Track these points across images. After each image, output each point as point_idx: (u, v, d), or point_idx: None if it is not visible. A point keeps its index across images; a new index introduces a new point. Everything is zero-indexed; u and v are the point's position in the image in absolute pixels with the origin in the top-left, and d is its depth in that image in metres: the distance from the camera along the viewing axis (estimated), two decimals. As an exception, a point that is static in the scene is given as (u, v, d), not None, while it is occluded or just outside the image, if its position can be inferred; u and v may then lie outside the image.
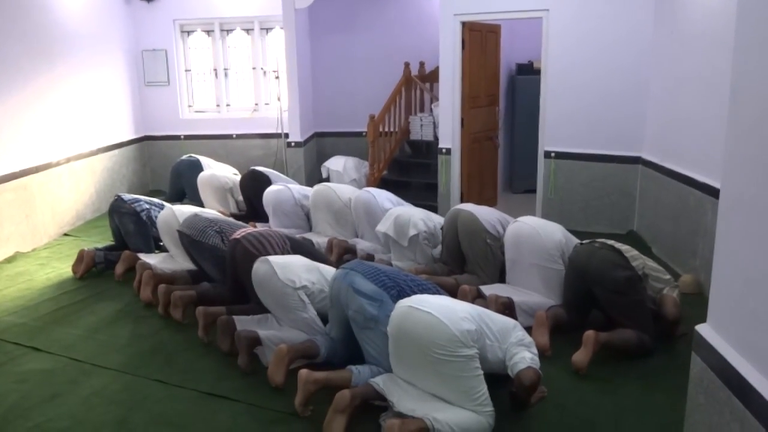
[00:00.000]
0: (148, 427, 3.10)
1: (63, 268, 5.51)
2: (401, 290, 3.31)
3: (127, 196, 5.55)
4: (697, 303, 4.23)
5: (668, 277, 3.97)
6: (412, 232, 4.87)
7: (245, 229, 4.40)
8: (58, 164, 6.70)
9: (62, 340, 4.11)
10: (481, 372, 2.90)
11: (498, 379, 3.11)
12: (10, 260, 5.79)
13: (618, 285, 3.65)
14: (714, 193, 4.42)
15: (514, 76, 8.54)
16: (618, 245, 3.84)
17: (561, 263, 4.13)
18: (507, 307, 4.02)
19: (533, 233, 4.23)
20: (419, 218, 4.96)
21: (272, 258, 3.81)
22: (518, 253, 4.31)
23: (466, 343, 2.83)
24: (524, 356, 2.99)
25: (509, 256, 4.42)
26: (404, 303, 3.02)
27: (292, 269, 3.73)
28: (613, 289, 3.68)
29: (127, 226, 5.40)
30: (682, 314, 3.85)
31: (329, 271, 3.85)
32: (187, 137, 8.88)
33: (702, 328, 2.11)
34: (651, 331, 3.66)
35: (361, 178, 8.35)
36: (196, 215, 4.78)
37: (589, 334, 3.53)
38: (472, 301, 4.09)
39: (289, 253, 4.19)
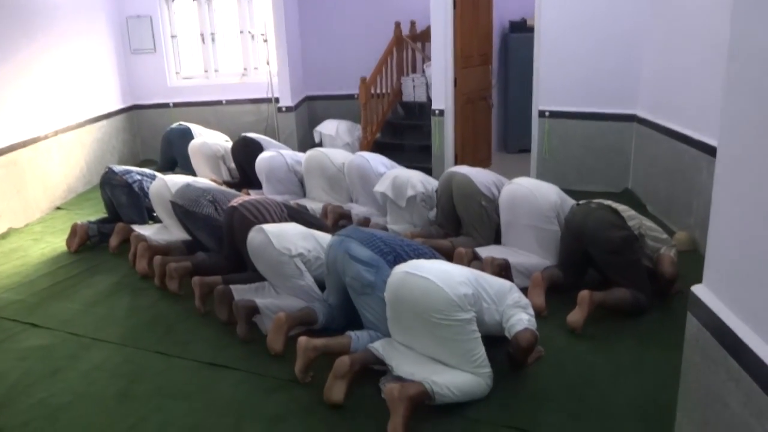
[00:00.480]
0: (150, 399, 3.13)
1: (57, 243, 5.49)
2: (397, 255, 3.31)
3: (117, 168, 5.50)
4: (691, 260, 4.25)
5: (666, 236, 3.97)
6: (410, 192, 4.87)
7: (241, 197, 4.38)
8: (46, 138, 6.62)
9: (60, 315, 4.12)
10: (479, 335, 2.92)
11: (495, 340, 3.14)
12: (3, 236, 5.76)
13: (614, 245, 3.66)
14: (709, 150, 4.40)
15: (507, 34, 8.42)
16: (615, 205, 3.83)
17: (556, 224, 4.14)
18: (503, 269, 4.04)
19: (528, 194, 4.22)
20: (417, 180, 4.96)
21: (267, 227, 3.80)
22: (513, 214, 4.31)
23: (464, 307, 2.84)
24: (521, 318, 3.01)
25: (504, 217, 4.41)
26: (401, 269, 3.03)
27: (287, 237, 3.73)
28: (609, 249, 3.69)
29: (120, 198, 5.37)
30: (679, 271, 3.85)
31: (325, 238, 3.85)
32: (176, 105, 8.76)
33: (698, 289, 2.11)
34: (647, 289, 3.69)
35: (354, 141, 8.30)
36: (188, 185, 4.75)
37: (584, 294, 3.55)
38: (468, 263, 4.10)
39: (286, 221, 4.18)
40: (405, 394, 2.69)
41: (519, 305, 3.09)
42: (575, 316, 3.53)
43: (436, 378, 2.81)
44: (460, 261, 4.11)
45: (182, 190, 4.67)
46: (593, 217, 3.77)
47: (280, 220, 4.17)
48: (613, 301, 3.61)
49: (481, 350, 2.92)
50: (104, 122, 7.97)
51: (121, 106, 8.47)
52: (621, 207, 3.84)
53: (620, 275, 3.69)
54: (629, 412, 2.84)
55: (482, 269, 3.81)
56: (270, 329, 3.43)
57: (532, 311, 3.13)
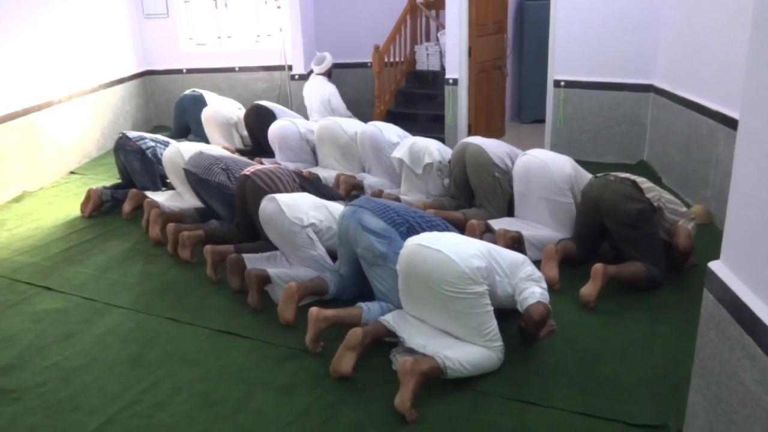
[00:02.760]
0: (161, 365, 3.16)
1: (71, 207, 5.51)
2: (410, 227, 3.30)
3: (131, 134, 5.49)
4: (707, 234, 4.21)
5: (684, 209, 3.91)
6: (427, 160, 4.83)
7: (254, 166, 4.37)
8: (60, 102, 6.62)
9: (74, 280, 4.15)
10: (491, 308, 2.91)
11: (507, 313, 3.13)
12: (18, 199, 5.80)
13: (630, 218, 3.61)
14: (727, 122, 4.33)
15: (523, 2, 8.29)
16: (633, 177, 3.78)
17: (570, 197, 4.10)
18: (516, 242, 4.01)
19: (542, 166, 4.17)
20: (435, 148, 4.92)
21: (279, 196, 3.79)
22: (527, 186, 4.27)
23: (476, 280, 2.83)
24: (534, 291, 2.99)
25: (518, 189, 4.37)
26: (413, 241, 3.01)
27: (299, 207, 3.71)
28: (625, 221, 3.64)
29: (133, 164, 5.37)
30: (694, 244, 3.80)
31: (337, 208, 3.83)
32: (189, 71, 8.71)
33: (714, 265, 2.08)
34: (662, 264, 3.65)
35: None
36: (201, 153, 4.74)
37: (598, 266, 3.52)
38: (481, 235, 4.08)
39: (298, 191, 4.17)
40: (418, 368, 2.70)
41: (532, 278, 3.07)
42: (588, 290, 3.51)
43: (448, 353, 2.81)
44: (472, 233, 4.09)
45: (195, 158, 4.66)
46: (610, 189, 3.72)
47: (293, 189, 4.16)
48: (627, 275, 3.59)
49: (493, 324, 2.92)
50: (118, 87, 7.95)
51: (134, 71, 8.44)
52: (640, 179, 3.77)
53: (635, 249, 3.65)
54: (641, 388, 2.82)
55: (495, 242, 3.79)
56: (281, 298, 3.44)
57: (545, 284, 3.11)
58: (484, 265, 2.88)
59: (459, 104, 7.03)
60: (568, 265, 3.87)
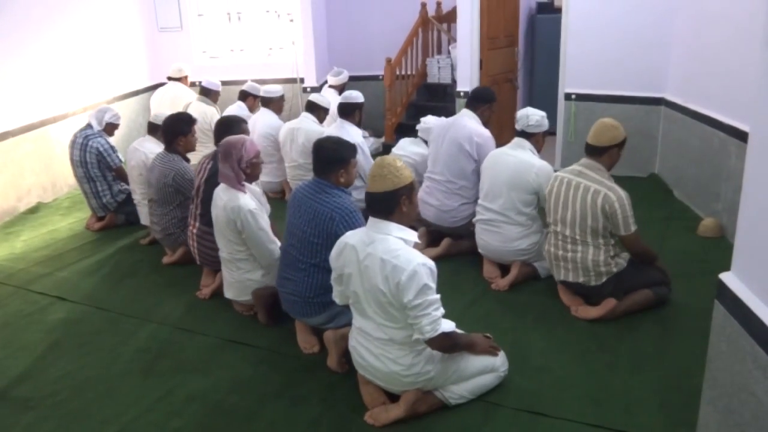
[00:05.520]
0: (174, 374, 3.18)
1: (84, 218, 5.57)
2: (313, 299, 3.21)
3: (93, 205, 5.38)
4: (718, 247, 4.20)
5: (607, 187, 3.62)
6: None
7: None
8: (74, 114, 6.69)
9: (87, 290, 4.19)
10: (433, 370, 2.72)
11: (516, 314, 3.11)
12: (33, 210, 5.87)
13: (603, 286, 3.54)
14: (739, 135, 4.33)
15: (534, 15, 8.32)
16: (583, 260, 3.53)
17: (539, 256, 4.01)
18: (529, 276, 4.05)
19: (496, 252, 4.11)
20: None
21: (228, 293, 3.78)
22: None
23: (420, 376, 2.69)
24: (422, 328, 2.53)
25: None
26: (353, 352, 2.84)
27: (234, 286, 3.70)
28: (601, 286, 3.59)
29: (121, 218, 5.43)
30: (705, 258, 3.76)
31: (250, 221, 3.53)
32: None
33: (726, 276, 2.08)
34: (661, 276, 3.61)
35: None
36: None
37: (610, 301, 3.50)
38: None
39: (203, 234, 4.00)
40: (414, 409, 2.71)
41: (419, 309, 2.52)
42: (589, 310, 3.53)
43: (453, 387, 2.79)
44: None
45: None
46: (569, 271, 3.63)
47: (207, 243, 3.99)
48: (637, 307, 3.53)
49: (478, 364, 2.84)
50: (132, 99, 8.04)
51: (148, 83, 8.52)
52: (589, 260, 3.52)
53: (633, 286, 3.56)
54: (652, 400, 2.82)
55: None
56: (298, 333, 3.40)
57: (435, 307, 2.55)
58: (408, 365, 2.65)
59: (470, 117, 7.03)
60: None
